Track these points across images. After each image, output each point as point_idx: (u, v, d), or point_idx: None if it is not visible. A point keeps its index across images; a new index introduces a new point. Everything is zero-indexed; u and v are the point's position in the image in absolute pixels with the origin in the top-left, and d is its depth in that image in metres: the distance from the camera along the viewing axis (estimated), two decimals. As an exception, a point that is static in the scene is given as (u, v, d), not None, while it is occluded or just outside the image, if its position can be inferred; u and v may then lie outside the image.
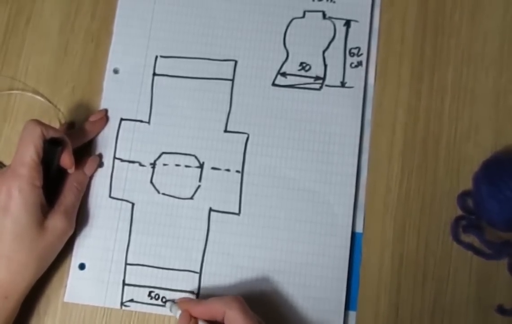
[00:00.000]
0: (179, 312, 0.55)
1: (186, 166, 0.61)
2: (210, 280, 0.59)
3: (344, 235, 0.59)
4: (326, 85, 0.62)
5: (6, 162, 0.63)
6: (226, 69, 0.63)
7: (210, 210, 0.60)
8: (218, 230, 0.60)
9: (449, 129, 0.61)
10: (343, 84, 0.62)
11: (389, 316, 0.58)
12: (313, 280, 0.58)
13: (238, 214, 0.60)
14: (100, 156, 0.62)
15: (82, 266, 0.60)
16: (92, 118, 0.62)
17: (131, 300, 0.59)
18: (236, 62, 0.63)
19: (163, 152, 0.62)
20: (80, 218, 0.60)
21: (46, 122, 0.58)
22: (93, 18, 0.66)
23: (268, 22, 0.64)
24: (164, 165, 0.62)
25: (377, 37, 0.63)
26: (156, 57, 0.64)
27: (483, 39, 0.62)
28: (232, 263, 0.59)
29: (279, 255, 0.59)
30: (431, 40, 0.63)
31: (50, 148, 0.56)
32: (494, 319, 0.57)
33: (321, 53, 0.63)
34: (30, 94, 0.65)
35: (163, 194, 0.61)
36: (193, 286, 0.59)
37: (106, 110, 0.63)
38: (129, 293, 0.59)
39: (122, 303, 0.59)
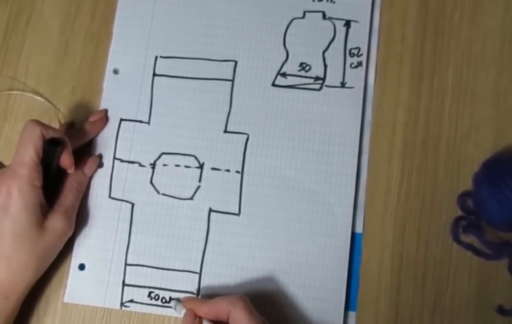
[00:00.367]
0: (183, 311, 0.55)
1: (186, 166, 0.61)
2: (210, 280, 0.59)
3: (344, 235, 0.59)
4: (326, 86, 0.62)
5: (6, 162, 0.63)
6: (226, 70, 0.63)
7: (210, 210, 0.60)
8: (218, 230, 0.60)
9: (449, 130, 0.61)
10: (343, 85, 0.62)
11: (389, 317, 0.58)
12: (313, 281, 0.58)
13: (238, 214, 0.60)
14: (100, 156, 0.62)
15: (82, 267, 0.60)
16: (92, 119, 0.62)
17: (131, 301, 0.59)
18: (236, 62, 0.63)
19: (163, 153, 0.62)
20: (80, 218, 0.60)
21: (46, 122, 0.58)
22: (93, 18, 0.66)
23: (268, 23, 0.64)
24: (164, 165, 0.62)
25: (377, 37, 0.63)
26: (156, 57, 0.64)
27: (483, 39, 0.62)
28: (232, 263, 0.59)
29: (279, 255, 0.59)
30: (431, 40, 0.63)
31: (50, 149, 0.56)
32: (494, 319, 0.57)
33: (321, 53, 0.63)
34: (30, 94, 0.65)
35: (163, 194, 0.61)
36: (193, 286, 0.59)
37: (106, 111, 0.63)
38: (129, 293, 0.59)
39: (122, 304, 0.59)
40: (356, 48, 0.63)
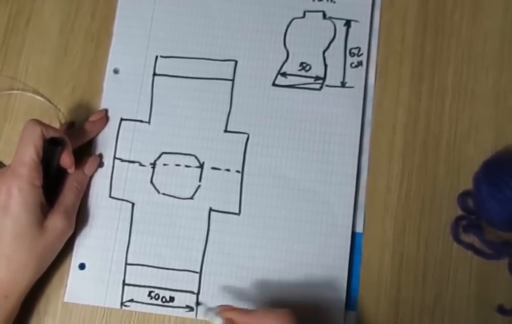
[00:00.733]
0: (218, 319, 0.53)
1: (186, 166, 0.61)
2: (210, 280, 0.59)
3: (344, 235, 0.59)
4: (326, 85, 0.62)
5: (6, 162, 0.63)
6: (226, 69, 0.63)
7: (210, 210, 0.60)
8: (218, 230, 0.60)
9: (449, 130, 0.61)
10: (343, 84, 0.62)
11: (389, 316, 0.57)
12: (313, 280, 0.58)
13: (238, 214, 0.60)
14: (100, 156, 0.62)
15: (82, 266, 0.60)
16: (92, 118, 0.62)
17: (131, 300, 0.59)
18: (236, 62, 0.63)
19: (163, 152, 0.62)
20: (80, 218, 0.60)
21: (46, 122, 0.58)
22: (93, 18, 0.66)
23: (268, 22, 0.64)
24: (164, 164, 0.62)
25: (377, 37, 0.63)
26: (156, 57, 0.64)
27: (483, 39, 0.62)
28: (232, 263, 0.59)
29: (279, 255, 0.59)
30: (431, 40, 0.63)
31: (50, 148, 0.56)
32: (494, 319, 0.57)
33: (321, 53, 0.63)
34: (30, 94, 0.65)
35: (163, 194, 0.61)
36: (193, 286, 0.59)
37: (106, 110, 0.63)
38: (129, 293, 0.59)
39: (122, 303, 0.59)
40: (356, 48, 0.63)
